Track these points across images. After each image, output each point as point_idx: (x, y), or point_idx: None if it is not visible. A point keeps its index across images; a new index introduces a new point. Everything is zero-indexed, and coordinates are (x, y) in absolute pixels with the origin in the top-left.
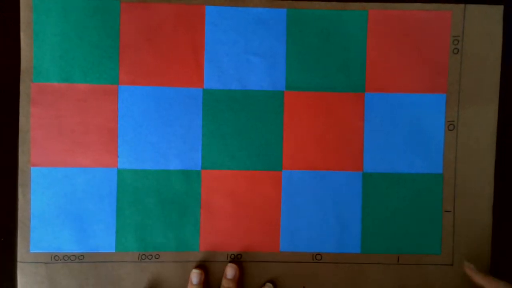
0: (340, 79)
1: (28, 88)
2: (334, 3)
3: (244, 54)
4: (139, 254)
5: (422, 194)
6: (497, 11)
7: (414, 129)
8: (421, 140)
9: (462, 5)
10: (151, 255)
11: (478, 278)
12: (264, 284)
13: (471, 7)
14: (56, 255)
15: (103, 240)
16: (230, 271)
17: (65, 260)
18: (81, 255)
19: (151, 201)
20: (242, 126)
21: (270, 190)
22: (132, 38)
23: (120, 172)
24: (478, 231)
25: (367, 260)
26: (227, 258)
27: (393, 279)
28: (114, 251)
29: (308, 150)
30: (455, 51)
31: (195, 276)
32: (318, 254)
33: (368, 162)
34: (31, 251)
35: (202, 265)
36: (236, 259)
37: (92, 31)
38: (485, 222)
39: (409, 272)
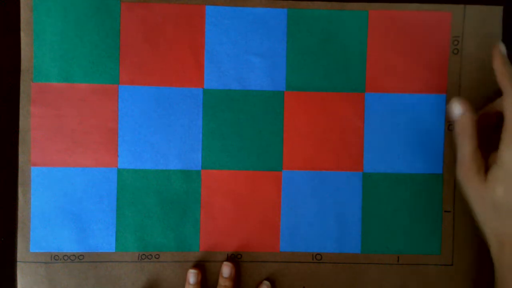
0: (340, 79)
1: (28, 87)
2: (334, 3)
3: (244, 54)
4: (139, 254)
5: (422, 194)
6: (497, 11)
7: (414, 129)
8: (421, 140)
9: (461, 6)
10: (151, 255)
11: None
12: (261, 283)
13: (471, 8)
14: (56, 255)
15: (103, 240)
16: (225, 269)
17: (65, 260)
18: (81, 255)
19: (151, 201)
20: (242, 126)
21: (270, 190)
22: (132, 38)
23: (120, 172)
24: (478, 231)
25: (367, 260)
26: (227, 258)
27: (393, 279)
28: (114, 251)
29: (308, 150)
30: (455, 51)
31: (192, 276)
32: (318, 254)
33: (368, 162)
34: (31, 251)
35: (200, 265)
36: (236, 259)
37: (92, 30)
38: None
39: (409, 272)
